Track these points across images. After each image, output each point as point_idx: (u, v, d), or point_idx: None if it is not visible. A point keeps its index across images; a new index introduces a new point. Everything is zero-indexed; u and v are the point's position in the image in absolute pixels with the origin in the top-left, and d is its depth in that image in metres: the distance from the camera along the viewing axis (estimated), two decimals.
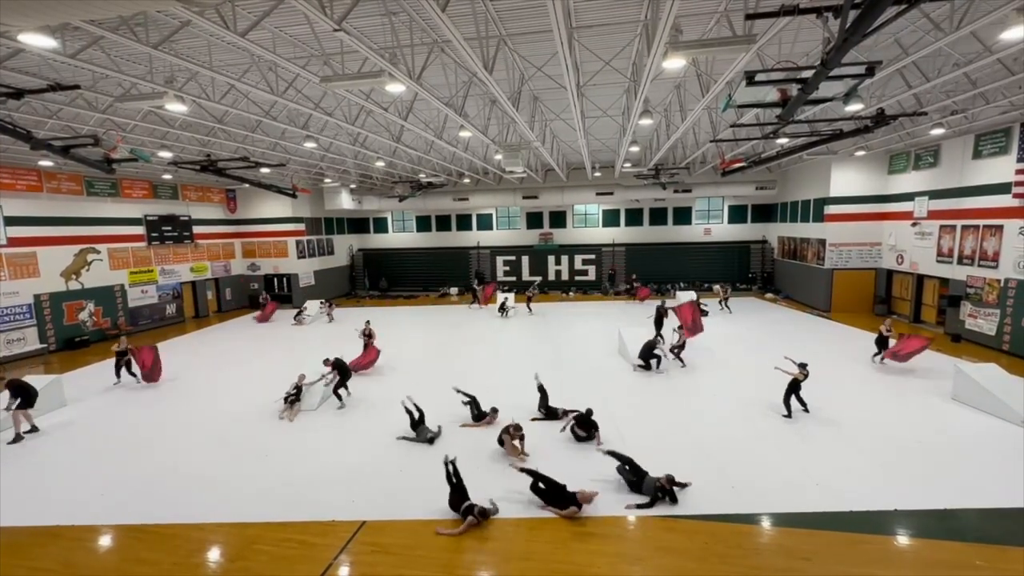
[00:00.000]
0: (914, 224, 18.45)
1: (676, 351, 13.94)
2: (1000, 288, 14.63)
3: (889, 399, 10.94)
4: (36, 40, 6.54)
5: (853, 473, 7.88)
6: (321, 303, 23.13)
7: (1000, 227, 14.67)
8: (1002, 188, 14.54)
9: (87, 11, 4.24)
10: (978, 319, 15.43)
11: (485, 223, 30.85)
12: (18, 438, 10.02)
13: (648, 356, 13.34)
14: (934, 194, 17.44)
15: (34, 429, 10.33)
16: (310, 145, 15.46)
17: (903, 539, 6.39)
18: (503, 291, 24.90)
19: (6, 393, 10.10)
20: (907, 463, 8.18)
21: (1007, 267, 14.44)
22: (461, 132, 13.24)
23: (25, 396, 10.10)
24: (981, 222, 15.40)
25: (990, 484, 7.46)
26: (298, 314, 22.13)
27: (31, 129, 10.94)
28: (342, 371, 11.78)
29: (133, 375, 13.50)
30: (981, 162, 15.38)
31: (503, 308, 22.17)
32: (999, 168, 14.68)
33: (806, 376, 9.99)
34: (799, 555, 6.08)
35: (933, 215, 17.54)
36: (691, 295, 22.29)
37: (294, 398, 11.18)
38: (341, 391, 11.71)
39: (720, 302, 21.72)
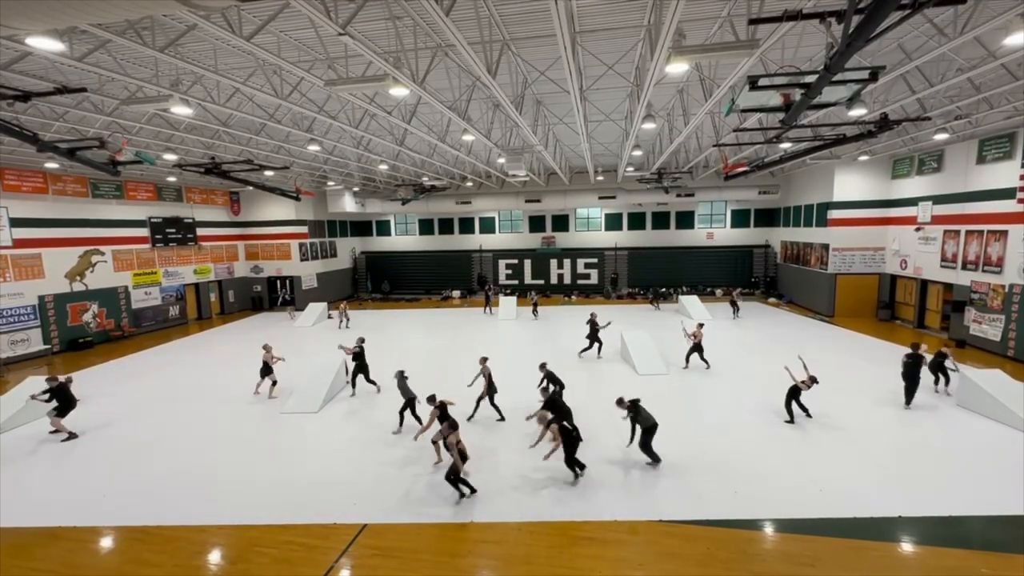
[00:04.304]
0: (918, 229, 18.40)
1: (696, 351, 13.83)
2: (1005, 293, 14.57)
3: (894, 405, 10.87)
4: (44, 43, 6.63)
5: (857, 479, 7.83)
6: (335, 305, 23.78)
7: (1004, 232, 14.61)
8: (1006, 193, 14.50)
9: (94, 15, 4.28)
10: (983, 324, 15.35)
11: (488, 226, 30.89)
12: (69, 436, 10.21)
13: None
14: (938, 199, 17.39)
15: (58, 431, 10.38)
16: (314, 148, 15.57)
17: (907, 546, 6.34)
18: (506, 294, 25.01)
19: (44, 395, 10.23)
20: (912, 469, 8.14)
21: (1012, 272, 14.37)
22: (464, 136, 13.28)
23: (63, 403, 10.22)
24: (985, 227, 15.34)
25: (995, 491, 7.41)
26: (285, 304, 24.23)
27: (37, 131, 11.05)
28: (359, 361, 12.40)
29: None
30: (985, 167, 15.34)
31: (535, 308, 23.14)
32: (1003, 173, 14.63)
33: (808, 387, 9.94)
34: (802, 561, 6.04)
35: (937, 220, 17.49)
36: (694, 299, 22.33)
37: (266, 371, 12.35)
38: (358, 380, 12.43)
39: (733, 308, 21.56)
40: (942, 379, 11.51)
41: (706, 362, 13.78)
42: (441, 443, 7.88)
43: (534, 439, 8.42)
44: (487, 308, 24.07)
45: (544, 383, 10.42)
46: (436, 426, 8.37)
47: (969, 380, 10.52)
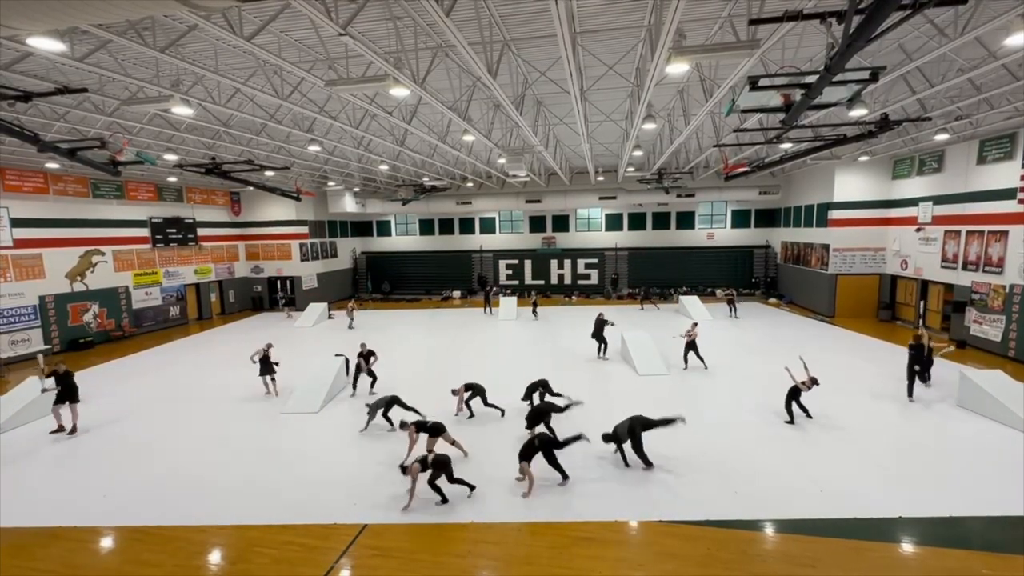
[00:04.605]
0: (918, 229, 18.39)
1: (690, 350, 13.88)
2: (1005, 294, 14.56)
3: (894, 405, 10.87)
4: (45, 44, 6.64)
5: (857, 479, 7.82)
6: (342, 305, 23.97)
7: (1005, 233, 14.60)
8: (1007, 193, 14.49)
9: (95, 15, 4.28)
10: (983, 325, 15.34)
11: (488, 227, 30.90)
12: (73, 430, 10.32)
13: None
14: (938, 199, 17.38)
15: (62, 429, 10.37)
16: (314, 148, 15.57)
17: (908, 547, 6.34)
18: (506, 294, 25.10)
19: (51, 380, 10.32)
20: (912, 470, 8.13)
21: (1012, 273, 14.36)
22: (465, 136, 13.28)
23: (66, 390, 10.28)
24: (986, 227, 15.34)
25: (996, 491, 7.40)
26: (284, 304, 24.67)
27: (38, 131, 11.05)
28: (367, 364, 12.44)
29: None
30: (986, 167, 15.33)
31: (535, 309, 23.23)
32: (1004, 173, 14.63)
33: (808, 389, 9.95)
34: (802, 562, 6.03)
35: (937, 220, 17.48)
36: (694, 299, 22.36)
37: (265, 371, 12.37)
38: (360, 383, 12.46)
39: (729, 308, 21.75)
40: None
41: (702, 360, 13.79)
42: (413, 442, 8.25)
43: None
44: (487, 308, 24.12)
45: (529, 412, 10.07)
46: (423, 439, 8.35)
47: (970, 380, 10.51)
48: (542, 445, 7.77)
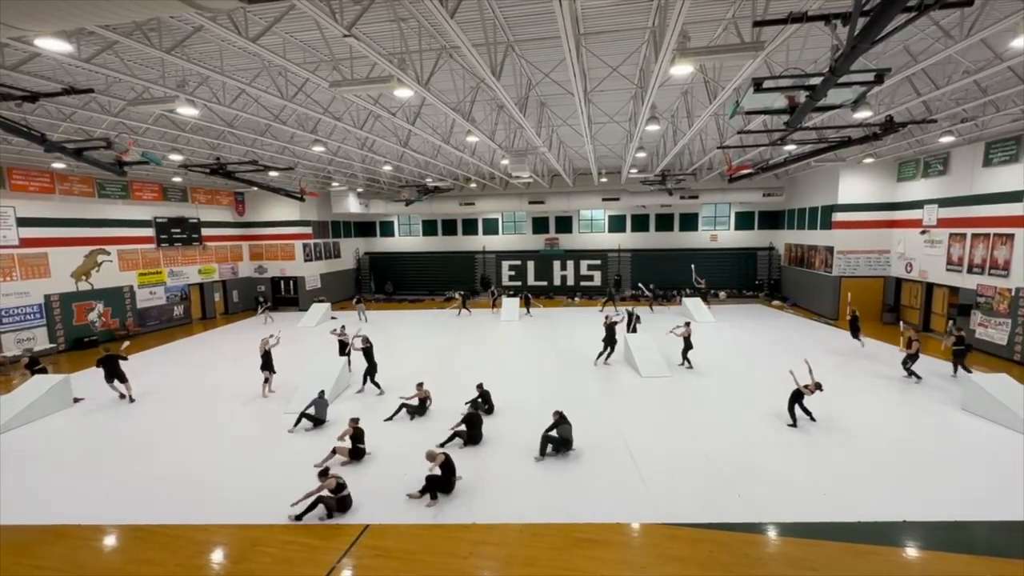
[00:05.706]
0: (923, 232, 18.31)
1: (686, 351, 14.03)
2: (1011, 297, 14.47)
3: (898, 408, 10.83)
4: (52, 44, 6.69)
5: (861, 483, 7.79)
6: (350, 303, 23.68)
7: (1011, 236, 14.51)
8: (1013, 196, 14.41)
9: (100, 16, 4.32)
10: (989, 328, 15.25)
11: (491, 228, 30.92)
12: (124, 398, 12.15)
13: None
14: (944, 202, 17.31)
15: (123, 397, 12.21)
16: (318, 149, 15.63)
17: (911, 551, 6.30)
18: (509, 295, 25.09)
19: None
20: (916, 473, 8.09)
21: (1018, 276, 14.27)
22: (468, 137, 13.31)
23: (108, 370, 11.96)
24: (991, 230, 15.25)
25: (1000, 496, 7.35)
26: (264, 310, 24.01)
27: (45, 132, 11.10)
28: (367, 357, 12.55)
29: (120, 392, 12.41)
30: (991, 170, 15.25)
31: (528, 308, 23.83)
32: (1010, 176, 14.55)
33: (811, 393, 9.90)
34: (805, 565, 6.01)
35: (943, 223, 17.40)
36: (696, 300, 22.32)
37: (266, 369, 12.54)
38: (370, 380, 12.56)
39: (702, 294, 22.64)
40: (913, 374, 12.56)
41: (687, 359, 14.03)
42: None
43: (530, 444, 8.62)
44: (464, 310, 24.26)
45: (477, 400, 10.65)
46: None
47: (974, 384, 10.46)
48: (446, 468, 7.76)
